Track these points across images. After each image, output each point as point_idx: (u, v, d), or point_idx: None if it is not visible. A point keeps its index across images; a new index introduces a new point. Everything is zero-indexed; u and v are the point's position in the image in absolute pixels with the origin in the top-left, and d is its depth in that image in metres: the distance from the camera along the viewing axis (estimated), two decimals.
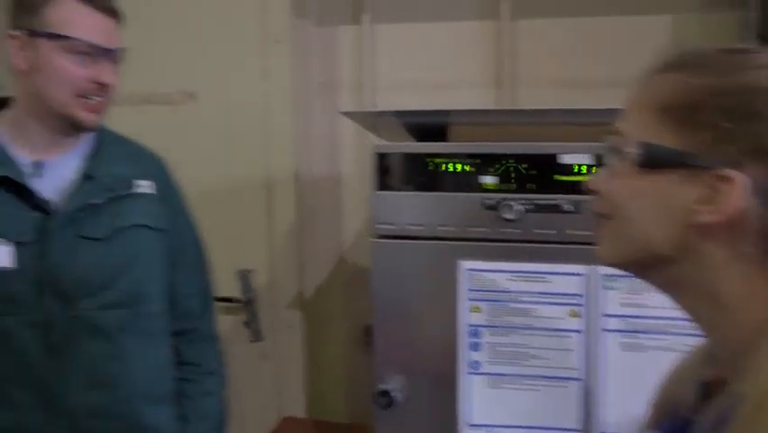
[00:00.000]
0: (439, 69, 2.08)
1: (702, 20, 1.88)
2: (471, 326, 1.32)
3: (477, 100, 2.04)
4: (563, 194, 1.26)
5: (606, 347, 1.26)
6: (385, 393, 1.33)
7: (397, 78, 2.12)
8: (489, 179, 1.30)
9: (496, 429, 1.31)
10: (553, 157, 1.27)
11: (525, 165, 1.27)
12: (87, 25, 1.17)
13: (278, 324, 2.07)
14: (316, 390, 2.19)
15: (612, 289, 1.25)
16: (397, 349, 1.38)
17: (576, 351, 1.28)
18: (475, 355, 1.32)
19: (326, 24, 2.15)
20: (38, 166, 1.23)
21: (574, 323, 1.28)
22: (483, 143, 1.30)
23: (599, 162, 1.26)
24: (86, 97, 1.19)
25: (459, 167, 1.31)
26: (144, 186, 1.30)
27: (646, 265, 0.66)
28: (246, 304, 2.00)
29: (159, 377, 1.33)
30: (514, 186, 1.29)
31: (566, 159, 1.26)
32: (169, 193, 1.36)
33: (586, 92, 2.00)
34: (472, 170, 1.31)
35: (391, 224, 1.35)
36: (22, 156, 1.22)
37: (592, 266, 1.25)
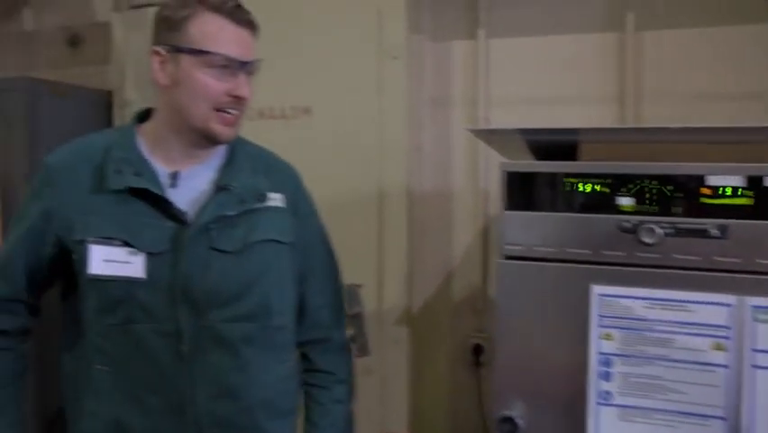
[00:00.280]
0: (556, 83, 2.02)
1: None
2: (602, 354, 1.26)
3: (597, 115, 1.96)
4: (710, 218, 1.17)
5: (755, 385, 1.16)
6: (508, 420, 1.29)
7: (511, 92, 2.08)
8: (625, 201, 1.24)
9: None
10: (700, 178, 1.19)
11: (669, 187, 1.20)
12: (227, 39, 1.19)
13: (385, 339, 2.06)
14: (419, 406, 2.16)
15: (764, 322, 1.16)
16: (519, 374, 1.33)
17: (720, 387, 1.18)
18: (606, 385, 1.25)
19: (441, 39, 2.14)
20: (174, 177, 1.25)
21: (719, 357, 1.18)
22: (621, 163, 1.24)
23: (751, 184, 1.17)
24: (223, 111, 1.21)
25: (593, 187, 1.25)
26: (276, 199, 1.30)
27: None
28: (353, 318, 1.99)
29: (282, 391, 1.33)
30: (654, 208, 1.22)
31: (714, 180, 1.18)
32: (299, 205, 1.36)
33: (714, 106, 1.89)
34: (607, 190, 1.25)
35: (519, 244, 1.30)
36: (161, 167, 1.25)
37: (742, 297, 1.16)
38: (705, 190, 1.19)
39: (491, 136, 1.43)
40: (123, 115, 2.41)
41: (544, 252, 1.29)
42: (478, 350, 2.16)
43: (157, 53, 1.21)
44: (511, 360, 1.33)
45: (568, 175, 1.27)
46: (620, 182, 1.24)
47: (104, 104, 2.42)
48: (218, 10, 1.18)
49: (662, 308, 1.21)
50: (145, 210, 1.22)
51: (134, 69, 2.37)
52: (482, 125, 2.09)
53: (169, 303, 1.20)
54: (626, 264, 1.23)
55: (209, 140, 1.24)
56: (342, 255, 1.96)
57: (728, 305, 1.18)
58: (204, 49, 1.18)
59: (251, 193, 1.27)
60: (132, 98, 2.37)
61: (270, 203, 1.29)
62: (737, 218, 1.18)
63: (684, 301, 1.20)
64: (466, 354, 2.18)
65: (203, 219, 1.22)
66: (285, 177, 1.36)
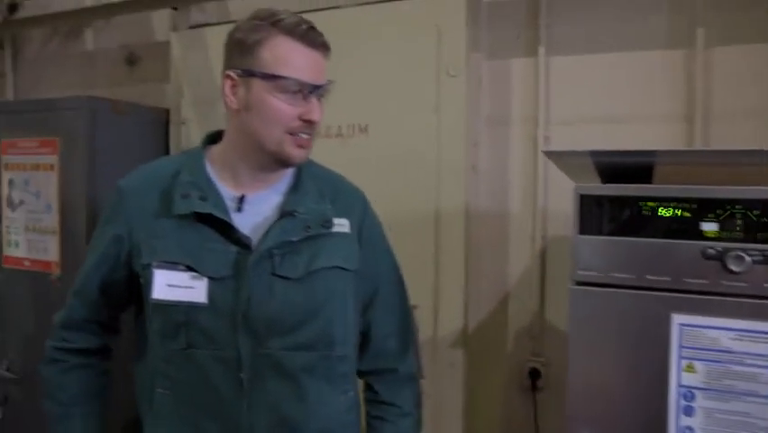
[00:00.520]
0: (618, 101, 1.97)
1: None
2: (684, 387, 1.19)
3: (663, 136, 1.90)
4: None
5: None
6: None
7: (572, 111, 2.03)
8: (709, 226, 1.18)
9: None
10: None
11: (755, 211, 1.14)
12: (300, 64, 1.17)
13: (440, 362, 2.01)
14: (474, 430, 2.10)
15: None
16: (592, 404, 1.27)
17: None
18: (687, 420, 1.19)
19: (498, 57, 2.10)
20: (240, 201, 1.23)
21: None
22: (705, 187, 1.18)
23: None
24: (295, 134, 1.19)
25: (673, 211, 1.20)
26: (341, 225, 1.27)
27: None
28: None
29: (342, 423, 1.28)
30: (739, 234, 1.16)
31: None
32: (365, 231, 1.32)
33: None
34: (688, 215, 1.19)
35: (592, 270, 1.25)
36: (228, 191, 1.24)
37: None
38: None
39: (566, 159, 1.38)
40: (179, 133, 2.44)
41: (620, 278, 1.23)
42: (534, 374, 2.10)
43: (229, 77, 1.19)
44: (584, 389, 1.28)
45: (647, 199, 1.21)
46: (704, 207, 1.18)
47: (161, 121, 2.46)
48: (291, 33, 1.17)
49: (752, 341, 1.14)
50: (210, 235, 1.20)
51: (191, 88, 2.40)
52: (542, 145, 2.04)
53: (230, 329, 1.18)
54: (711, 293, 1.17)
55: (281, 163, 1.22)
56: None
57: None
58: (276, 73, 1.16)
59: (316, 219, 1.24)
60: (189, 116, 2.40)
61: (336, 229, 1.26)
62: None
63: None
64: (522, 379, 2.12)
65: (266, 245, 1.19)
66: (352, 201, 1.33)
